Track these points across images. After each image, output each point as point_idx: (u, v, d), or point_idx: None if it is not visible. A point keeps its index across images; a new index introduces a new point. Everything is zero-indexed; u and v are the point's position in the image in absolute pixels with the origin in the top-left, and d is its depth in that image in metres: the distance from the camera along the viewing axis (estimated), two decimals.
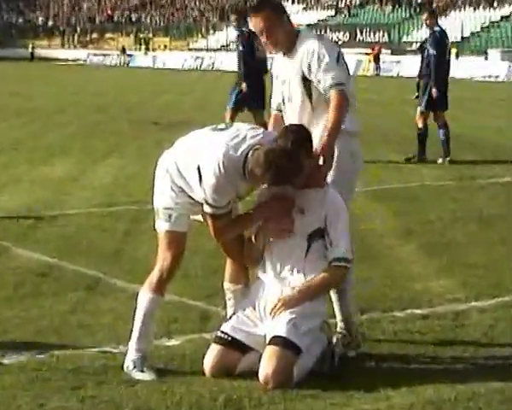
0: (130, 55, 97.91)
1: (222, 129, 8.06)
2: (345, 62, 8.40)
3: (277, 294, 7.80)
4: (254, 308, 7.92)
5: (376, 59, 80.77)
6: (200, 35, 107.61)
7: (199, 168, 7.70)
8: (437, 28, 22.79)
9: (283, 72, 8.54)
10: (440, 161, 21.96)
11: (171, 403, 7.14)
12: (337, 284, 7.90)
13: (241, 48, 23.65)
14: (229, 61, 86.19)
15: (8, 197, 16.87)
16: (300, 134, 7.84)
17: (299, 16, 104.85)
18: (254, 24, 8.44)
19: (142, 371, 8.02)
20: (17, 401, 7.12)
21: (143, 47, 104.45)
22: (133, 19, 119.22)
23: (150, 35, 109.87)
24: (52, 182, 18.65)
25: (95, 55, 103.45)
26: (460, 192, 18.08)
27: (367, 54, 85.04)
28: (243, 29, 23.05)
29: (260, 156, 7.48)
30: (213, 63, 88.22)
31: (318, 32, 8.73)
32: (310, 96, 8.35)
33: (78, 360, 8.21)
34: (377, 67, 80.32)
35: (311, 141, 7.92)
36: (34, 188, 17.89)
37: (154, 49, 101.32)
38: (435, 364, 8.33)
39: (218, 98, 43.77)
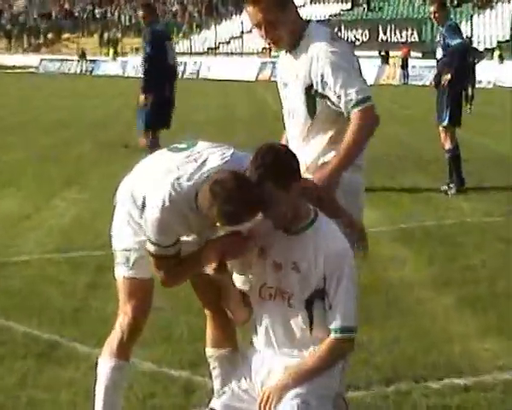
0: (93, 61, 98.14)
1: (181, 149, 7.82)
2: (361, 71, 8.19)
3: (279, 370, 7.47)
4: (251, 380, 7.49)
5: (404, 63, 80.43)
6: (181, 35, 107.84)
7: (144, 199, 7.58)
8: (450, 23, 22.80)
9: (285, 74, 8.52)
10: (453, 190, 22.29)
11: None
12: (338, 359, 7.46)
13: (148, 50, 23.82)
14: (219, 67, 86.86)
15: None
16: (270, 158, 7.29)
17: (307, 9, 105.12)
18: (252, 15, 8.19)
19: None
20: None
21: (111, 50, 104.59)
22: (97, 15, 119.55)
23: (119, 35, 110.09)
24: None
25: (49, 60, 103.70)
26: (510, 231, 17.77)
27: (390, 57, 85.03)
28: (155, 27, 22.93)
29: (207, 188, 7.19)
30: (198, 70, 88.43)
31: (331, 30, 8.09)
32: (312, 109, 8.24)
33: None
34: (405, 74, 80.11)
35: (290, 167, 7.42)
36: None
37: (123, 53, 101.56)
38: None
39: (202, 114, 43.85)
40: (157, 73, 23.18)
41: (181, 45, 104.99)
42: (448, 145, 21.93)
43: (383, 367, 9.62)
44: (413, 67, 79.89)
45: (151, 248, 7.53)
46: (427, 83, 74.29)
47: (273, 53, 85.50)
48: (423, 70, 76.79)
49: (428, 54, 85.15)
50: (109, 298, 12.36)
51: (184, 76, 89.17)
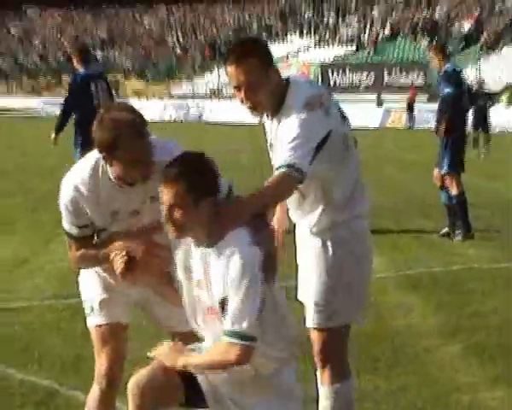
0: None
1: None
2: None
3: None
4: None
5: (410, 107, 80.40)
6: (184, 77, 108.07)
7: None
8: (448, 65, 22.13)
9: (269, 137, 8.45)
10: (459, 237, 22.13)
11: None
12: (228, 366, 7.40)
13: (70, 99, 24.00)
14: (222, 111, 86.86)
15: None
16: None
17: (312, 53, 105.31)
18: (233, 76, 7.89)
19: None
20: None
21: (116, 93, 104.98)
22: (99, 57, 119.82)
23: (120, 78, 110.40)
24: None
25: (51, 104, 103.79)
26: None
27: (396, 100, 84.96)
28: (80, 72, 22.95)
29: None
30: (201, 114, 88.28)
31: (311, 93, 7.66)
32: None
33: None
34: (411, 117, 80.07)
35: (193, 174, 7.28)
36: None
37: (125, 96, 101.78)
38: None
39: None
40: (81, 116, 22.50)
41: (184, 88, 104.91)
42: (454, 191, 21.66)
43: None
44: (419, 110, 79.49)
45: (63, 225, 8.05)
46: (433, 127, 73.62)
47: None
48: (428, 114, 76.40)
49: (434, 97, 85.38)
50: None
51: (187, 119, 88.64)
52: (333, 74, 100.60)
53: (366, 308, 8.84)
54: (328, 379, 8.33)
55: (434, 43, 23.48)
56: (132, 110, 7.84)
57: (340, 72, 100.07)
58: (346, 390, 8.37)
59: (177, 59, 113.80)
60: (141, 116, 7.75)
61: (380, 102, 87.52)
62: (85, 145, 22.08)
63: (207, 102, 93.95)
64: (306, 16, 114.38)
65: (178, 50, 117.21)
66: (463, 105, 21.28)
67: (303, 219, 8.21)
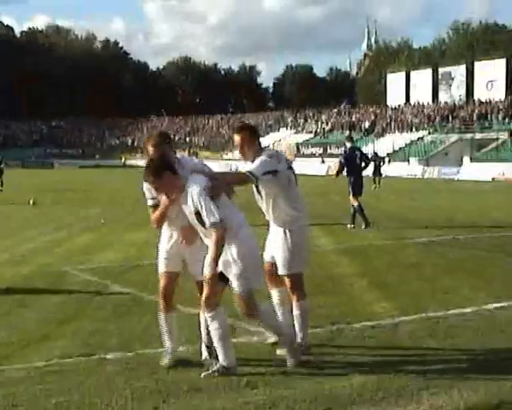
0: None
1: None
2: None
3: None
4: None
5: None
6: (229, 149, 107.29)
7: None
8: (348, 145, 23.44)
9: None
10: (363, 226, 21.97)
11: None
12: (221, 241, 7.33)
13: None
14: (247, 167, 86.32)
15: (111, 253, 16.97)
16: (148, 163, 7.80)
17: (292, 137, 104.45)
18: (235, 140, 8.24)
19: None
20: (113, 383, 7.21)
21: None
22: (187, 139, 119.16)
23: (197, 150, 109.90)
24: (136, 244, 18.47)
25: None
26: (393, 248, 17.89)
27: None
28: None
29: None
30: (237, 168, 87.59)
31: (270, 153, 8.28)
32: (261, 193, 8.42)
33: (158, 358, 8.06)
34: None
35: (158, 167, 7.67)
36: (126, 248, 17.89)
37: (200, 159, 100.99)
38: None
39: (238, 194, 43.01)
40: None
41: (229, 155, 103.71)
42: (355, 204, 22.29)
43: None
44: None
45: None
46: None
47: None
48: None
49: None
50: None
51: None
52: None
53: (309, 262, 8.95)
54: (297, 298, 8.40)
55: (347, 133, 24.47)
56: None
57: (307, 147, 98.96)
58: (306, 304, 8.47)
59: (225, 141, 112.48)
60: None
61: (323, 161, 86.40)
62: None
63: (239, 163, 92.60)
64: (290, 119, 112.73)
65: (226, 136, 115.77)
66: (355, 162, 22.55)
67: (271, 219, 8.52)
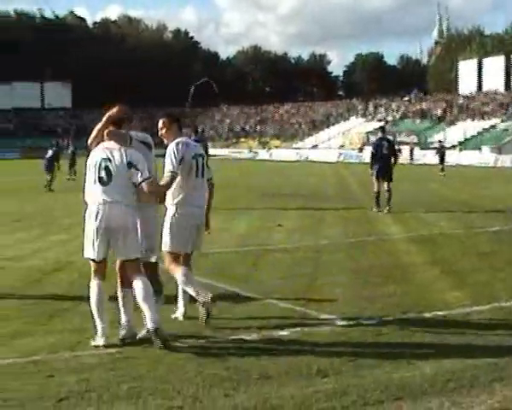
0: (255, 152, 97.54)
1: None
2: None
3: None
4: None
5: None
6: (298, 139, 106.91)
7: None
8: (379, 135, 25.19)
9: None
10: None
11: None
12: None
13: None
14: (317, 156, 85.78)
15: None
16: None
17: (362, 126, 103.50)
18: (158, 123, 9.26)
19: None
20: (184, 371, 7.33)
21: (266, 147, 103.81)
22: (257, 129, 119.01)
23: (268, 139, 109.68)
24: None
25: (233, 152, 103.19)
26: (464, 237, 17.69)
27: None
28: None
29: None
30: (307, 157, 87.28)
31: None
32: None
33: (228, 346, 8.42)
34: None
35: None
36: None
37: (270, 148, 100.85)
38: None
39: (312, 180, 42.99)
40: None
41: (299, 144, 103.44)
42: (375, 189, 23.87)
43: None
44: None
45: None
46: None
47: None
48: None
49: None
50: (270, 266, 13.11)
51: (300, 160, 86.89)
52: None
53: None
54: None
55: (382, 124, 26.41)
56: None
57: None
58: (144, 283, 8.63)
59: (295, 130, 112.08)
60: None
61: None
62: None
63: (310, 151, 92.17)
64: (359, 108, 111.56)
65: (296, 126, 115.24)
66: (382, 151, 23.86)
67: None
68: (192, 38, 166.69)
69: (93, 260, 8.31)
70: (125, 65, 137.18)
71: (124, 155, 8.24)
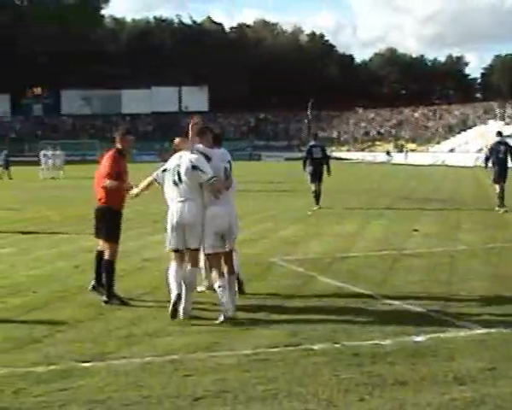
0: (391, 156, 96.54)
1: None
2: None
3: None
4: None
5: None
6: (434, 142, 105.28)
7: None
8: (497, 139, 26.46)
9: None
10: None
11: None
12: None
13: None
14: (454, 160, 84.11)
15: (317, 245, 17.09)
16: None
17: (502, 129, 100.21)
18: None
19: None
20: (320, 374, 7.27)
21: (403, 149, 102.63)
22: (393, 132, 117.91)
23: (403, 142, 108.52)
24: (342, 235, 18.61)
25: (368, 156, 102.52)
26: None
27: None
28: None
29: None
30: (444, 161, 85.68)
31: None
32: None
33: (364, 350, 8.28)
34: None
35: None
36: (333, 239, 18.06)
37: (407, 151, 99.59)
38: None
39: (449, 184, 42.17)
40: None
41: (435, 148, 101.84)
42: (497, 190, 25.27)
43: None
44: None
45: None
46: None
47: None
48: None
49: None
50: (408, 271, 13.15)
51: (437, 163, 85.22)
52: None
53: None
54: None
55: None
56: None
57: None
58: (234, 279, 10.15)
59: (431, 134, 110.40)
60: None
61: None
62: None
63: (447, 155, 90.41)
64: (498, 111, 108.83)
65: (432, 130, 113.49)
66: (498, 155, 25.11)
67: None
68: (327, 41, 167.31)
69: (171, 249, 10.00)
70: (261, 69, 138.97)
71: (188, 159, 9.82)
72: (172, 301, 9.64)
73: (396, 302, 10.46)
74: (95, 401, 6.62)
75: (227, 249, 10.08)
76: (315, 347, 8.17)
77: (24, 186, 44.37)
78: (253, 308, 10.31)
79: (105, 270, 10.91)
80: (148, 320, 9.69)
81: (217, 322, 9.44)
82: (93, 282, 11.28)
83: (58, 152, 60.01)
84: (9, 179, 52.83)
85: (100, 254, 11.25)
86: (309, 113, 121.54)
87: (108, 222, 10.88)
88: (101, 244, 11.25)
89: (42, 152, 60.42)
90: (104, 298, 10.90)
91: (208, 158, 9.91)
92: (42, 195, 36.25)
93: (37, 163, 61.02)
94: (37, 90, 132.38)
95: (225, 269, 10.06)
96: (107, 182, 10.62)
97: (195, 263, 10.03)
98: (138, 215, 20.85)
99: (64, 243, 17.62)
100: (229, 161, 10.31)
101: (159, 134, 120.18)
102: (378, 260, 14.54)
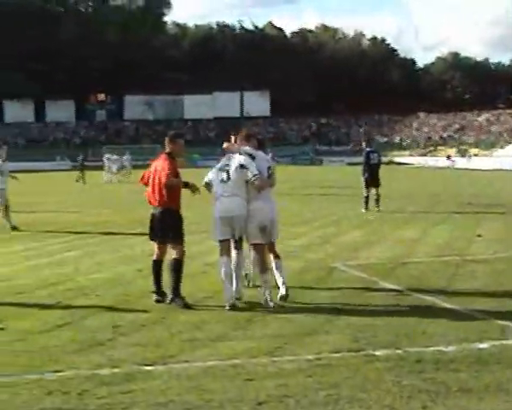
0: (453, 160, 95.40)
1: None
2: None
3: None
4: None
5: None
6: (498, 147, 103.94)
7: None
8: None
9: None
10: None
11: None
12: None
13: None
14: (494, 164, 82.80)
15: (379, 250, 17.03)
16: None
17: None
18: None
19: None
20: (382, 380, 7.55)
21: (466, 154, 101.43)
22: (456, 137, 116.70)
23: (467, 147, 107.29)
24: (404, 240, 18.48)
25: (430, 160, 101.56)
26: None
27: None
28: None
29: None
30: (508, 166, 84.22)
31: None
32: None
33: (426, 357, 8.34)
34: None
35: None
36: (394, 245, 17.97)
37: (470, 156, 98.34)
38: None
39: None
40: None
41: (499, 152, 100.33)
42: None
43: None
44: None
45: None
46: None
47: None
48: None
49: None
50: (472, 276, 13.12)
51: (503, 168, 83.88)
52: None
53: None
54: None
55: None
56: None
57: None
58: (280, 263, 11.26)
59: (495, 138, 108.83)
60: None
61: None
62: None
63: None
64: None
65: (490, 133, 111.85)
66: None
67: None
68: (389, 45, 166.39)
69: (217, 240, 11.09)
70: (323, 73, 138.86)
71: (237, 160, 10.97)
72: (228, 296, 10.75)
73: (459, 308, 10.35)
74: (157, 404, 6.72)
75: (272, 240, 11.35)
76: (377, 353, 8.14)
77: (92, 190, 45.42)
78: (314, 313, 10.26)
79: (173, 269, 10.97)
80: (210, 324, 9.71)
81: (271, 304, 10.68)
82: (155, 296, 11.19)
83: (125, 157, 61.49)
84: (83, 183, 53.72)
85: (157, 263, 11.40)
86: (362, 130, 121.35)
87: (172, 224, 10.98)
88: (157, 252, 11.41)
89: (106, 156, 61.89)
90: (169, 298, 10.98)
91: (253, 157, 11.15)
92: (106, 197, 37.08)
93: (101, 168, 61.91)
94: (101, 96, 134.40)
95: (271, 256, 11.34)
96: (173, 180, 10.90)
97: (240, 247, 11.30)
98: (203, 219, 21.07)
99: (127, 246, 17.91)
100: (271, 166, 11.55)
101: (220, 140, 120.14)
102: (441, 266, 14.42)
